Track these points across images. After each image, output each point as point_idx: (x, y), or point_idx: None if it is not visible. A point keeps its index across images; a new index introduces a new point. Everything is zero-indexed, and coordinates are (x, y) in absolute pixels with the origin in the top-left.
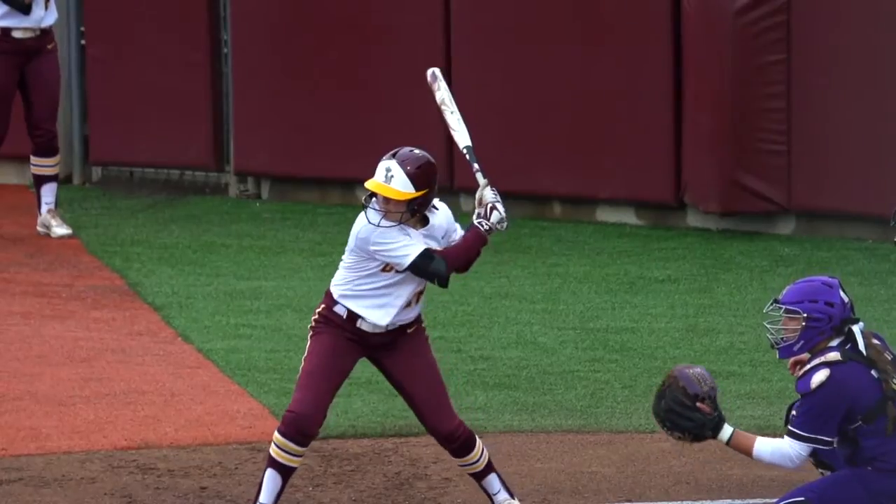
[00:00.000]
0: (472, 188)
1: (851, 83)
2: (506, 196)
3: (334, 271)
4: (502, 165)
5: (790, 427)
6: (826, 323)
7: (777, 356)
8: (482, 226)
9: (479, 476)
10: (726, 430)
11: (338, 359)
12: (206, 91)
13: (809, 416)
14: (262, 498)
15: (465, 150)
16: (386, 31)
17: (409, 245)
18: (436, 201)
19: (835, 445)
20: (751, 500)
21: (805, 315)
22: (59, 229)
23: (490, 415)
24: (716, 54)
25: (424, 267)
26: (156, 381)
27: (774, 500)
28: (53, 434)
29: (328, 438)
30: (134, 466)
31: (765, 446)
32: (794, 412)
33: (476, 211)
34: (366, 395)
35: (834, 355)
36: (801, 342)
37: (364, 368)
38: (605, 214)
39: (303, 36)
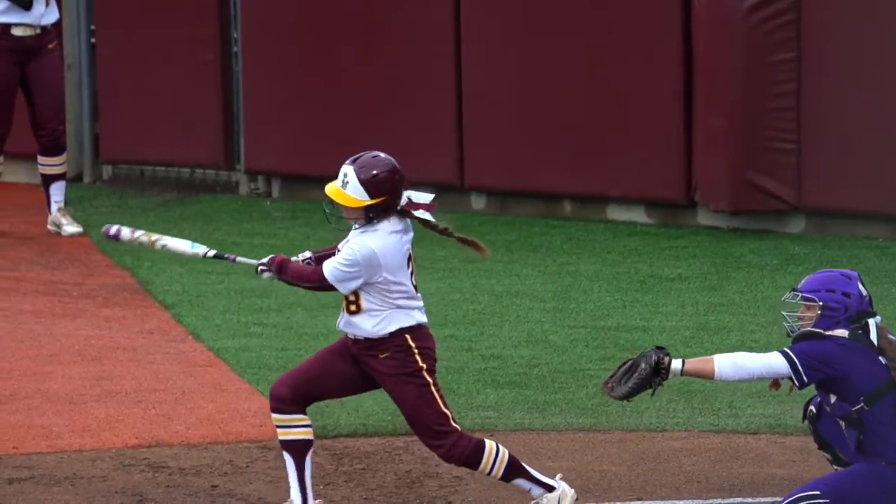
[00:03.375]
0: (483, 187)
1: (861, 82)
2: (517, 194)
3: None
4: (513, 164)
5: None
6: (842, 313)
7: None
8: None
9: (505, 481)
10: (677, 360)
11: (332, 353)
12: (217, 90)
13: (805, 347)
14: (290, 486)
15: (211, 256)
16: (396, 30)
17: None
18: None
19: (845, 432)
20: (762, 499)
21: (821, 304)
22: (70, 228)
23: (501, 413)
24: (726, 53)
25: None
26: (167, 379)
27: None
28: (64, 432)
29: (339, 437)
30: (145, 465)
31: (725, 359)
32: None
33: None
34: (376, 394)
35: (841, 331)
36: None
37: None
38: (616, 213)
39: (313, 34)
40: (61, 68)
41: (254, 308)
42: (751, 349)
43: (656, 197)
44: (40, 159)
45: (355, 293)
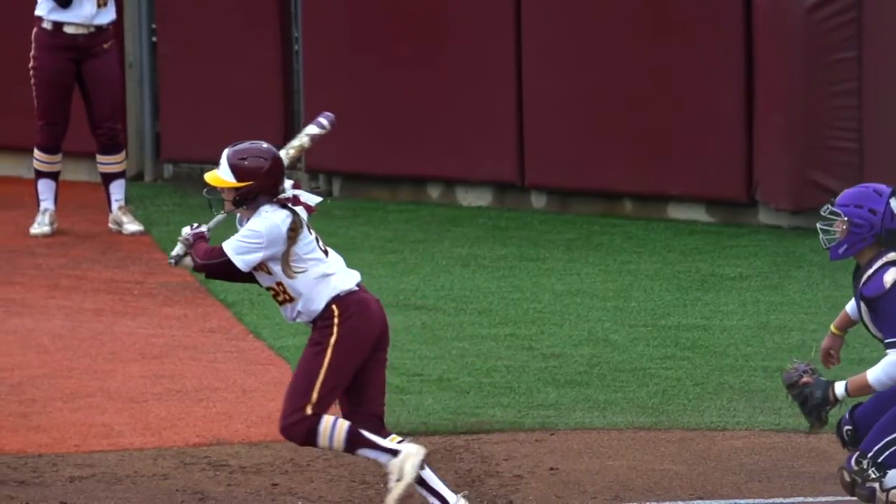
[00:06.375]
0: (544, 185)
1: None
2: (577, 193)
3: (405, 268)
4: (573, 162)
5: (888, 340)
6: (867, 230)
7: (829, 257)
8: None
9: (351, 453)
10: (839, 385)
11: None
12: (278, 88)
13: (892, 318)
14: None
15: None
16: (457, 28)
17: None
18: (268, 213)
19: None
20: (823, 498)
21: (846, 219)
22: (131, 226)
23: (561, 412)
24: (787, 51)
25: None
26: (227, 377)
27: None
28: (126, 430)
29: (400, 435)
30: (206, 463)
31: (875, 372)
32: (881, 323)
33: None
34: (437, 393)
35: (893, 255)
36: (845, 245)
37: (435, 366)
38: (677, 212)
39: (374, 33)
40: (118, 67)
41: None
42: (812, 348)
43: (717, 196)
44: (99, 158)
45: (280, 284)
